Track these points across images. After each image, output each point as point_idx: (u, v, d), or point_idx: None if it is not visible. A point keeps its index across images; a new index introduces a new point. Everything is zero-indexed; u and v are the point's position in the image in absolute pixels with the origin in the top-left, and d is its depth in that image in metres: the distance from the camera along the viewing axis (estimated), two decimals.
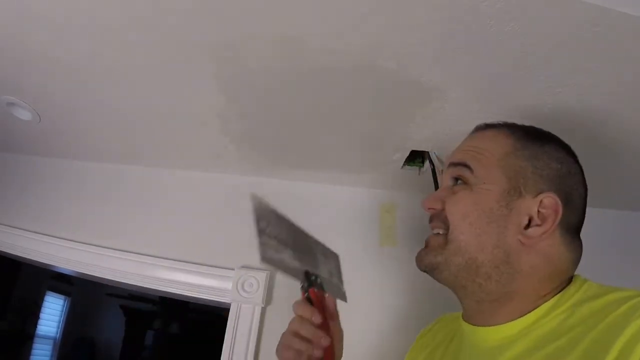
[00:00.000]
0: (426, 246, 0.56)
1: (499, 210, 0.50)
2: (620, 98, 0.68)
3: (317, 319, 0.56)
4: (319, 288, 0.60)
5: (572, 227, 0.51)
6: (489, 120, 0.58)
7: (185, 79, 0.79)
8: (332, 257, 0.73)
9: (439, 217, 0.54)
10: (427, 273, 0.56)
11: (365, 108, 0.80)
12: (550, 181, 0.50)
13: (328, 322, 0.59)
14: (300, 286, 0.59)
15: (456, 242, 0.51)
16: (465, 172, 0.53)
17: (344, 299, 0.69)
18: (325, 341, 0.55)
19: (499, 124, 0.57)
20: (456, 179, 0.55)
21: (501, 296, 0.50)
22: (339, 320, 0.64)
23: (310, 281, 0.59)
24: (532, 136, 0.54)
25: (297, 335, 0.57)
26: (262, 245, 0.55)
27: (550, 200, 0.49)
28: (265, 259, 0.55)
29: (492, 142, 0.54)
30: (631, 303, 0.40)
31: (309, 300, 0.58)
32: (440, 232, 0.54)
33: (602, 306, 0.42)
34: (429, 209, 0.56)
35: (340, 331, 0.64)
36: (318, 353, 0.56)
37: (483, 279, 0.50)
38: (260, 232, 0.55)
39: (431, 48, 0.62)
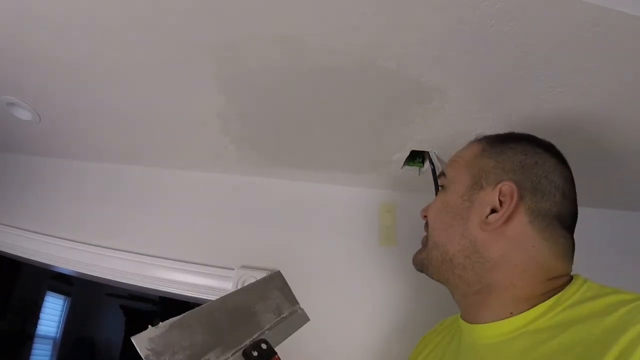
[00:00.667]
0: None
1: (462, 204, 0.55)
2: (620, 98, 0.68)
3: None
4: (267, 357, 0.56)
5: (547, 215, 0.51)
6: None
7: (185, 79, 0.79)
8: (273, 287, 0.68)
9: (426, 223, 0.63)
10: (421, 271, 0.62)
11: (365, 108, 0.80)
12: (511, 172, 0.53)
13: None
14: None
15: (432, 238, 0.59)
16: (443, 179, 0.61)
17: (305, 320, 0.67)
18: None
19: (485, 136, 0.62)
20: (442, 186, 0.62)
21: (481, 288, 0.52)
22: None
23: (252, 359, 0.55)
24: (502, 138, 0.58)
25: None
26: None
27: (507, 187, 0.51)
28: None
29: (466, 149, 0.61)
30: (630, 307, 0.40)
31: None
32: (426, 233, 0.62)
33: (601, 308, 0.42)
34: (423, 217, 0.64)
35: None
36: None
37: (460, 270, 0.54)
38: None
39: (431, 48, 0.62)
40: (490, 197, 0.52)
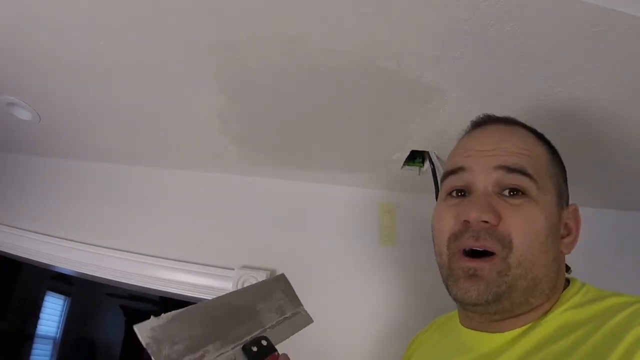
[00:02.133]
0: (474, 275, 0.45)
1: (557, 225, 0.47)
2: (620, 98, 0.68)
3: None
4: (266, 353, 0.56)
5: None
6: (498, 115, 0.57)
7: (185, 79, 0.79)
8: (276, 288, 0.68)
9: (493, 235, 0.45)
10: (480, 306, 0.46)
11: (365, 108, 0.80)
12: (567, 189, 0.52)
13: None
14: None
15: (524, 264, 0.44)
16: (525, 182, 0.46)
17: (308, 321, 0.67)
18: None
19: (511, 119, 0.54)
20: (513, 189, 0.46)
21: (525, 311, 0.46)
22: None
23: (251, 355, 0.55)
24: (547, 140, 0.54)
25: None
26: None
27: (575, 209, 0.50)
28: None
29: (534, 146, 0.50)
30: (631, 309, 0.40)
31: None
32: (493, 252, 0.45)
33: (602, 311, 0.42)
34: (483, 222, 0.45)
35: None
36: None
37: (536, 297, 0.45)
38: None
39: (431, 48, 0.62)
40: (566, 217, 0.50)
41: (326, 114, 0.84)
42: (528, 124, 0.56)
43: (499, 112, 0.74)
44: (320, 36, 0.63)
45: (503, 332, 0.47)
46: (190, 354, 0.51)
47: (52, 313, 3.30)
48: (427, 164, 0.95)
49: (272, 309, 0.64)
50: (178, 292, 1.07)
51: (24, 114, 1.04)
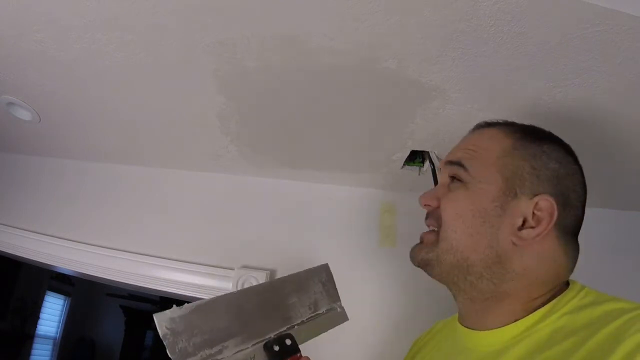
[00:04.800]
0: (420, 242, 0.57)
1: (493, 211, 0.49)
2: (621, 98, 0.68)
3: None
4: (288, 354, 0.54)
5: (569, 229, 0.50)
6: (489, 120, 0.59)
7: (185, 79, 0.79)
8: (316, 279, 0.65)
9: (433, 215, 0.55)
10: (420, 268, 0.56)
11: (365, 108, 0.80)
12: (547, 182, 0.49)
13: None
14: None
15: (448, 240, 0.51)
16: (460, 172, 0.53)
17: (342, 319, 0.65)
18: None
19: (499, 122, 0.57)
20: (452, 177, 0.55)
21: (493, 296, 0.50)
22: None
23: (272, 354, 0.53)
24: (531, 135, 0.54)
25: None
26: None
27: (546, 202, 0.48)
28: None
29: (490, 140, 0.54)
30: (628, 317, 0.39)
31: None
32: (435, 229, 0.54)
33: (599, 316, 0.42)
34: (425, 205, 0.56)
35: None
36: None
37: (475, 278, 0.50)
38: (181, 355, 0.47)
39: (431, 48, 0.62)
40: (524, 208, 0.48)
41: (326, 114, 0.84)
42: (527, 123, 0.57)
43: (499, 112, 0.75)
44: (320, 36, 0.63)
45: (492, 328, 0.49)
46: (207, 349, 0.49)
47: (52, 313, 3.31)
48: (427, 164, 0.95)
49: (306, 303, 0.61)
50: (178, 292, 1.07)
51: (24, 114, 1.04)
